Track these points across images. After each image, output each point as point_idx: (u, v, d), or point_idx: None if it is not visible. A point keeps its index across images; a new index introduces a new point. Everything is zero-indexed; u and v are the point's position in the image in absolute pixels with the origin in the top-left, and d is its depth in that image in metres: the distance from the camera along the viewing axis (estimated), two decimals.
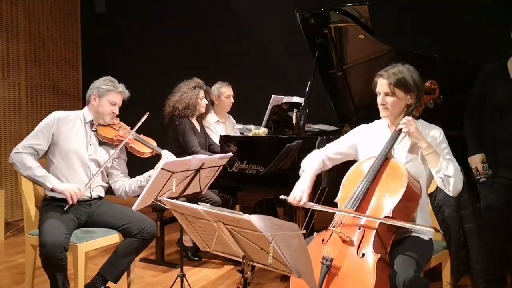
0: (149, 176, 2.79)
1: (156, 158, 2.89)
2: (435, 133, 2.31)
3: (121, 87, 2.89)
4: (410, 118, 2.24)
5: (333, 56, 3.63)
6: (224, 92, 4.21)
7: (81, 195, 2.68)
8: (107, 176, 2.95)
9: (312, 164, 2.45)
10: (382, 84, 2.29)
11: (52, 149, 2.77)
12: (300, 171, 2.47)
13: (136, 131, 2.91)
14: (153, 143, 2.98)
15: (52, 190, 2.65)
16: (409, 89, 2.27)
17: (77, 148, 2.79)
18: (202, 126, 4.02)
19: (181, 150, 3.73)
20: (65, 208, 2.64)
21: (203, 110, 3.94)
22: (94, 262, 3.60)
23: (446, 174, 2.16)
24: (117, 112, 2.90)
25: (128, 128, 2.94)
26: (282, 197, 2.30)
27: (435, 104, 2.44)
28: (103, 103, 2.84)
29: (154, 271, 3.64)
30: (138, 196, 2.57)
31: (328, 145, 2.57)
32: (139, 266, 3.65)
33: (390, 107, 2.29)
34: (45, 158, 2.82)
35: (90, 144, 2.85)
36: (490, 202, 2.81)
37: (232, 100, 4.27)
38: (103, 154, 2.87)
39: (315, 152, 2.54)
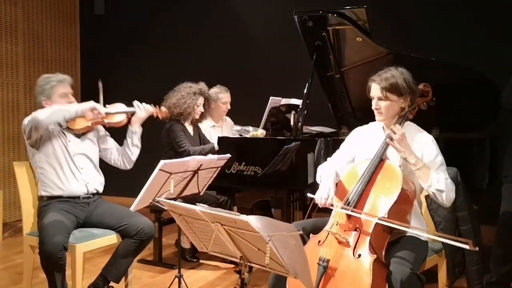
0: (132, 132, 2.90)
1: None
2: (428, 142, 2.31)
3: (59, 76, 2.85)
4: (397, 131, 2.20)
5: (331, 58, 3.65)
6: (222, 98, 4.19)
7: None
8: (101, 157, 2.98)
9: (329, 170, 2.40)
10: (375, 89, 2.31)
11: (36, 158, 2.79)
12: (317, 176, 2.44)
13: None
14: (122, 107, 2.95)
15: (92, 109, 2.72)
16: (402, 93, 2.28)
17: (58, 151, 2.79)
18: (195, 129, 4.00)
19: (175, 153, 3.72)
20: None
21: (197, 116, 3.89)
22: (92, 262, 3.60)
23: (438, 188, 2.17)
24: (73, 100, 2.86)
25: None
26: (309, 195, 2.26)
27: (428, 106, 2.47)
28: (56, 101, 2.81)
29: (151, 272, 3.64)
30: (136, 195, 2.58)
31: (333, 159, 2.52)
32: (136, 267, 3.65)
33: (383, 111, 2.31)
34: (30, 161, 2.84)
35: (69, 141, 2.85)
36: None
37: (229, 107, 4.25)
38: (87, 145, 2.88)
39: (327, 164, 2.49)
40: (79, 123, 2.84)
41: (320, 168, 2.47)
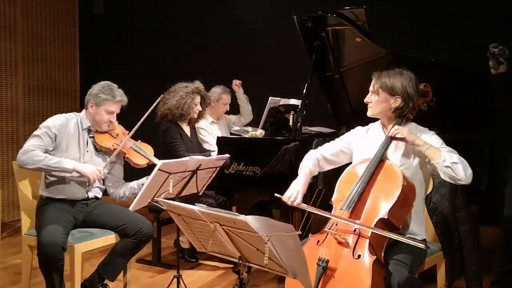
0: (142, 184, 2.77)
1: (152, 166, 2.87)
2: (429, 137, 2.32)
3: (119, 95, 2.82)
4: (397, 126, 2.26)
5: (331, 58, 3.64)
6: (224, 99, 4.31)
7: (102, 176, 2.72)
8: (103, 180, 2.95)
9: (307, 164, 2.49)
10: (372, 83, 2.36)
11: (51, 154, 2.76)
12: (299, 170, 2.50)
13: (135, 138, 2.90)
14: (150, 152, 2.96)
15: (74, 170, 2.63)
16: (394, 93, 2.29)
17: (73, 156, 2.76)
18: (192, 130, 3.98)
19: (169, 156, 3.68)
20: (87, 187, 2.76)
21: (195, 116, 3.87)
22: (91, 262, 3.59)
23: (452, 161, 2.13)
24: (114, 121, 2.85)
25: (126, 132, 2.93)
26: (276, 195, 2.33)
27: (428, 107, 2.48)
28: (100, 112, 2.79)
29: (150, 272, 3.64)
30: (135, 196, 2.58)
31: (324, 145, 2.60)
32: (135, 267, 3.66)
33: (372, 106, 2.35)
34: None
35: (87, 151, 2.83)
36: None
37: (228, 108, 4.38)
38: (100, 161, 2.85)
39: (311, 152, 2.58)
40: (104, 139, 2.84)
41: (305, 158, 2.53)
